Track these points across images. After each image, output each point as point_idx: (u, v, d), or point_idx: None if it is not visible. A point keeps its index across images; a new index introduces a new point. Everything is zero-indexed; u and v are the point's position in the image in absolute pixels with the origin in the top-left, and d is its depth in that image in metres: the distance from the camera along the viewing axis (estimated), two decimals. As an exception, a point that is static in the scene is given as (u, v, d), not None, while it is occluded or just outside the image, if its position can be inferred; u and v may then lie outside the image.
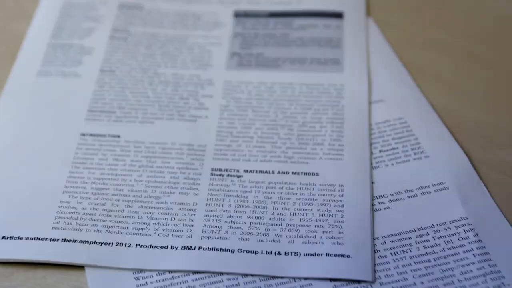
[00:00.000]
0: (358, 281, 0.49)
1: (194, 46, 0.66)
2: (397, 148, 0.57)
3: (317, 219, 0.52)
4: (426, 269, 0.49)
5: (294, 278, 0.49)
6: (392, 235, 0.52)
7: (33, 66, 0.64)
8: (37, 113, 0.60)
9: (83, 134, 0.59)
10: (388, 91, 0.62)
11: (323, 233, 0.52)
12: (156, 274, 0.50)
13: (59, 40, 0.66)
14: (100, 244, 0.51)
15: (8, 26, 0.69)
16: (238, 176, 0.55)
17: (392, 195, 0.54)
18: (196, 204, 0.54)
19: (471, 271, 0.49)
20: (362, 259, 0.50)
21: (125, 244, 0.51)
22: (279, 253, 0.51)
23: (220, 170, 0.56)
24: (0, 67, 0.64)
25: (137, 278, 0.50)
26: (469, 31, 0.68)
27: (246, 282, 0.49)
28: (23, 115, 0.60)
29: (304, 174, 0.56)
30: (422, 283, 0.49)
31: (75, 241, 0.51)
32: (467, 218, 0.52)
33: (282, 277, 0.50)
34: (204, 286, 0.49)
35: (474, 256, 0.50)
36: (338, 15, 0.68)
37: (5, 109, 0.61)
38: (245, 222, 0.52)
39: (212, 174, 0.56)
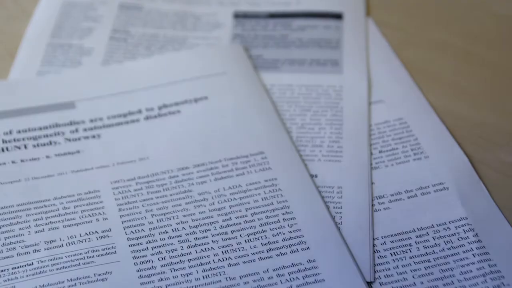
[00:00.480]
0: None
1: (193, 47, 0.66)
2: (397, 148, 0.57)
3: None
4: (425, 269, 0.49)
5: None
6: (392, 235, 0.52)
7: (32, 66, 0.64)
8: (36, 113, 0.61)
9: None
10: (388, 91, 0.62)
11: None
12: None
13: (59, 40, 0.66)
14: None
15: (7, 26, 0.69)
16: None
17: (392, 195, 0.54)
18: None
19: (471, 271, 0.49)
20: (361, 259, 0.50)
21: None
22: None
23: None
24: (0, 67, 0.64)
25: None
26: (469, 31, 0.68)
27: None
28: (22, 114, 0.60)
29: None
30: (421, 283, 0.48)
31: None
32: (467, 218, 0.52)
33: None
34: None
35: (474, 256, 0.50)
36: (338, 16, 0.68)
37: (5, 108, 0.61)
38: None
39: None
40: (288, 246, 0.50)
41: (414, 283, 0.49)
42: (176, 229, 0.51)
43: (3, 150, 0.56)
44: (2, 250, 0.50)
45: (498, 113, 0.61)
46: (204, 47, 0.66)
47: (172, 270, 0.49)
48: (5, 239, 0.50)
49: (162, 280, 0.48)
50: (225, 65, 0.63)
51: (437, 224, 0.52)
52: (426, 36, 0.68)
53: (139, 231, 0.51)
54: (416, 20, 0.70)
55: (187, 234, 0.51)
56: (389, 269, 0.50)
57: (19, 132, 0.57)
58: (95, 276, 0.49)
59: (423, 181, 0.55)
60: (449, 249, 0.50)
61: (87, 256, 0.50)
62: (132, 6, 0.70)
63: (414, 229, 0.52)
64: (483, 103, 0.61)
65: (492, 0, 0.71)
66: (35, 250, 0.50)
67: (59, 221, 0.52)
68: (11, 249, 0.50)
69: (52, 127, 0.58)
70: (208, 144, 0.57)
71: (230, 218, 0.52)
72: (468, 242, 0.51)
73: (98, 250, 0.50)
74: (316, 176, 0.55)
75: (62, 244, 0.50)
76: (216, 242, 0.50)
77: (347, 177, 0.55)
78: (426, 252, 0.50)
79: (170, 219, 0.52)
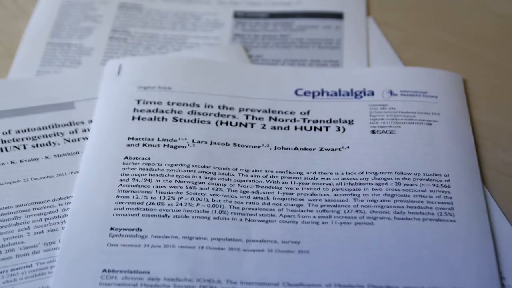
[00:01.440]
0: None
1: (193, 47, 0.66)
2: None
3: None
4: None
5: None
6: None
7: (32, 65, 0.64)
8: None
9: None
10: (388, 91, 0.62)
11: None
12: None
13: (58, 40, 0.66)
14: None
15: (7, 25, 0.69)
16: None
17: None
18: None
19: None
20: None
21: None
22: None
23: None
24: (-1, 67, 0.64)
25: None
26: (469, 31, 0.68)
27: None
28: (21, 114, 0.60)
29: None
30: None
31: None
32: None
33: None
34: None
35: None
36: (338, 16, 0.68)
37: (4, 108, 0.61)
38: None
39: None
40: None
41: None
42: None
43: (1, 150, 0.56)
44: (1, 251, 0.50)
45: (498, 112, 0.61)
46: (204, 47, 0.66)
47: None
48: (3, 240, 0.50)
49: None
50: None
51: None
52: (426, 36, 0.68)
53: None
54: (416, 20, 0.69)
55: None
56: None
57: (18, 132, 0.57)
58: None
59: None
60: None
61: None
62: (131, 6, 0.70)
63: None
64: (484, 103, 0.61)
65: (492, 0, 0.71)
66: (34, 251, 0.50)
67: (58, 223, 0.52)
68: (10, 250, 0.50)
69: (51, 128, 0.58)
70: None
71: None
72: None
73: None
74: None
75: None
76: None
77: None
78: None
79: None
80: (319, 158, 0.55)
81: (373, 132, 0.57)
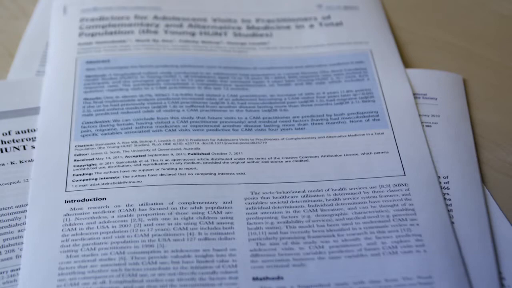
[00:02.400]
0: None
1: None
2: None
3: None
4: None
5: None
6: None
7: (32, 65, 0.64)
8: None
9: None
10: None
11: None
12: None
13: (58, 40, 0.66)
14: None
15: (7, 25, 0.69)
16: None
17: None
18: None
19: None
20: None
21: None
22: None
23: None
24: (-1, 67, 0.64)
25: None
26: (470, 31, 0.68)
27: None
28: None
29: None
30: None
31: None
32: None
33: None
34: None
35: (476, 256, 0.50)
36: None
37: (4, 108, 0.61)
38: None
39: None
40: None
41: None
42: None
43: (1, 151, 0.56)
44: (1, 252, 0.50)
45: (498, 112, 0.61)
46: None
47: None
48: (3, 241, 0.50)
49: None
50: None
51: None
52: (426, 36, 0.68)
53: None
54: (417, 20, 0.69)
55: None
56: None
57: (18, 133, 0.57)
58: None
59: None
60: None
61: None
62: (131, 6, 0.70)
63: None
64: (484, 103, 0.61)
65: (493, 0, 0.71)
66: None
67: None
68: (10, 251, 0.50)
69: (51, 128, 0.58)
70: None
71: None
72: (469, 242, 0.51)
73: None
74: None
75: None
76: None
77: None
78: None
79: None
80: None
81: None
